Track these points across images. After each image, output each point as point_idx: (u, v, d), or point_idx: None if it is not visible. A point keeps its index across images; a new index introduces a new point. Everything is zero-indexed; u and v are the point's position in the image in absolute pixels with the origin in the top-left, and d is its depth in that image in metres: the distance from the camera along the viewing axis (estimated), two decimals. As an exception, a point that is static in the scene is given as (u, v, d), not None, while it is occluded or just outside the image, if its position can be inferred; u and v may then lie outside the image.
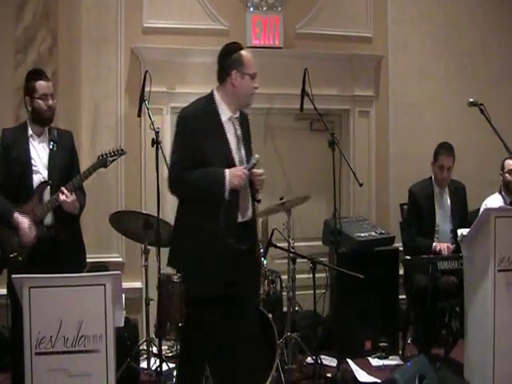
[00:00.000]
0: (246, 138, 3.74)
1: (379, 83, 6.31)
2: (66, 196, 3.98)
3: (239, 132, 3.70)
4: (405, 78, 6.30)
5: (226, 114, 3.64)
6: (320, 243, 5.74)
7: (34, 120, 4.19)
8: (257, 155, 3.65)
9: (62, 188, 3.99)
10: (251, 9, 5.90)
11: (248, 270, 3.67)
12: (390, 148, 6.32)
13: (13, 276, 3.48)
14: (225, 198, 3.50)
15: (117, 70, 5.65)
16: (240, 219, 3.63)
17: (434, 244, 4.99)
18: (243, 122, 3.77)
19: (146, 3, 5.73)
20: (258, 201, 3.73)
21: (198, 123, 3.55)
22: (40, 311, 3.39)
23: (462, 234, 4.43)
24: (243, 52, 3.65)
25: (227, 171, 3.51)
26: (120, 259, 5.65)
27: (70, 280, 3.45)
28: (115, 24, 5.62)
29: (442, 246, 4.97)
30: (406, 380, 3.89)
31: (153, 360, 4.83)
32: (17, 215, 4.02)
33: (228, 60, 3.62)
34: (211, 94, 3.67)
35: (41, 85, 4.16)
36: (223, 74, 3.64)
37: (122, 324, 3.70)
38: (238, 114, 3.71)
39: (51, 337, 3.39)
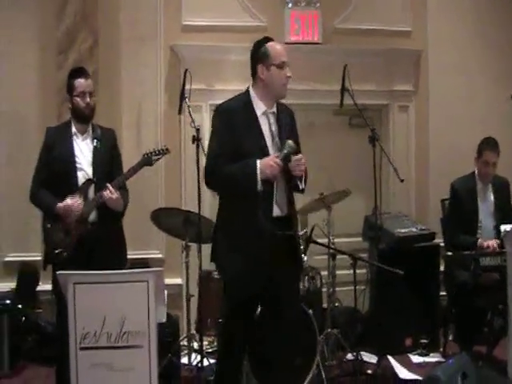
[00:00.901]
0: (286, 133, 3.70)
1: (419, 78, 6.25)
2: (111, 193, 4.04)
3: (274, 127, 3.68)
4: (444, 72, 6.22)
5: (260, 108, 3.65)
6: (360, 239, 5.72)
7: (74, 117, 4.26)
8: (290, 141, 3.58)
9: (108, 185, 4.06)
10: (290, 5, 5.90)
11: (288, 267, 3.66)
12: (429, 143, 6.25)
13: (58, 272, 3.55)
14: (257, 189, 3.48)
15: (156, 69, 5.71)
16: (275, 214, 3.61)
17: (479, 240, 4.91)
18: (285, 117, 3.76)
19: (184, 1, 5.78)
20: (302, 190, 3.69)
21: (233, 117, 3.58)
22: (84, 307, 3.45)
23: (505, 230, 4.38)
24: (269, 44, 3.67)
25: (259, 161, 3.49)
26: (160, 255, 5.71)
27: (113, 276, 3.50)
28: (154, 23, 5.68)
29: (490, 242, 4.87)
30: (449, 377, 3.85)
31: (193, 356, 4.87)
32: (59, 204, 4.08)
33: (255, 56, 3.67)
34: (247, 91, 3.71)
35: (79, 82, 4.22)
36: (253, 71, 3.69)
37: (164, 320, 3.73)
38: (274, 109, 3.71)
39: (95, 332, 3.44)
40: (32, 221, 5.40)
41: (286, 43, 5.86)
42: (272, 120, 3.69)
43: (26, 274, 5.48)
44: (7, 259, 5.49)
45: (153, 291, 3.47)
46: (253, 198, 3.51)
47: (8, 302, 5.02)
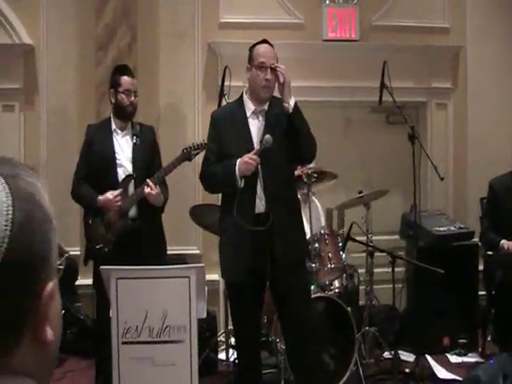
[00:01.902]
0: (272, 127, 3.70)
1: (457, 75, 6.19)
2: (151, 188, 4.08)
3: (262, 125, 3.72)
4: (483, 69, 6.15)
5: (250, 108, 3.75)
6: (397, 237, 5.68)
7: (116, 114, 4.30)
8: (267, 135, 3.58)
9: (148, 180, 4.09)
10: (327, 2, 5.87)
11: (278, 260, 3.65)
12: (467, 141, 6.19)
13: (101, 267, 3.58)
14: (238, 186, 3.57)
15: (194, 65, 5.73)
16: (258, 210, 3.67)
17: (502, 241, 4.85)
18: (277, 109, 3.74)
19: (222, -2, 5.79)
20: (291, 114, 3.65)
21: (221, 123, 3.75)
22: (127, 302, 3.48)
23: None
24: (258, 46, 3.78)
25: (238, 160, 3.58)
26: (197, 251, 5.74)
27: (156, 272, 3.54)
28: (192, 20, 5.71)
29: (510, 244, 4.82)
30: (489, 378, 3.77)
31: (231, 351, 4.89)
32: (100, 197, 4.14)
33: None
34: (241, 93, 3.84)
35: (125, 80, 4.26)
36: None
37: (205, 315, 3.77)
38: (264, 107, 3.74)
39: (137, 327, 3.48)
40: (71, 216, 5.46)
41: (324, 40, 5.87)
42: (261, 118, 3.75)
43: (66, 269, 5.53)
44: (46, 254, 5.51)
45: (194, 287, 3.49)
46: (234, 195, 3.60)
47: (48, 295, 5.06)
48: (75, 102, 5.62)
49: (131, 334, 3.48)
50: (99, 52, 5.51)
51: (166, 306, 3.47)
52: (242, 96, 3.82)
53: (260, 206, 3.67)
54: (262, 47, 3.76)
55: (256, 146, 3.67)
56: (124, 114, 4.27)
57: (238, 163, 3.58)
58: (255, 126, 3.73)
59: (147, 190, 4.09)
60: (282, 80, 3.64)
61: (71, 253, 5.52)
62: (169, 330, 3.48)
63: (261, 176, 3.66)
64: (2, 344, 0.87)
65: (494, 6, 6.20)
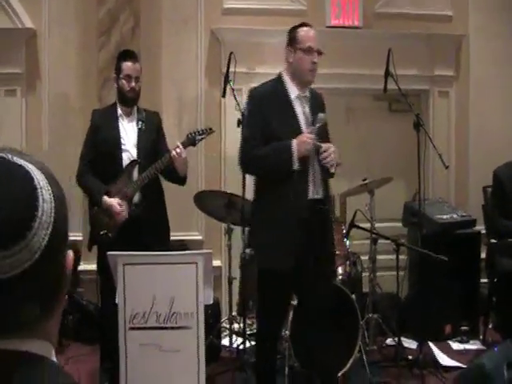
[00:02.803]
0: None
1: (460, 63, 6.17)
2: (180, 151, 4.04)
3: (307, 110, 3.70)
4: (486, 58, 6.13)
5: (294, 92, 3.67)
6: (398, 224, 5.69)
7: (119, 100, 4.29)
8: (322, 114, 3.61)
9: (178, 143, 4.07)
10: (331, -12, 5.85)
11: (320, 247, 3.67)
12: (469, 129, 6.17)
13: (108, 253, 3.58)
14: (293, 168, 3.50)
15: (197, 51, 5.70)
16: (311, 196, 3.62)
17: None
18: (316, 102, 3.76)
19: (225, -16, 5.75)
20: (331, 175, 3.70)
21: (265, 101, 3.61)
22: (134, 288, 3.49)
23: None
24: (300, 28, 3.69)
25: (294, 140, 3.51)
26: (200, 237, 5.73)
27: (163, 258, 3.54)
28: (195, 5, 5.66)
29: None
30: (494, 365, 3.80)
31: (234, 338, 4.89)
32: (105, 199, 4.13)
33: (287, 40, 3.71)
34: (279, 75, 3.74)
35: (127, 66, 4.25)
36: (285, 54, 3.72)
37: (211, 302, 3.77)
38: (307, 93, 3.71)
39: (144, 313, 3.48)
40: (73, 202, 5.44)
41: (327, 27, 5.84)
42: (305, 104, 3.71)
43: (67, 254, 5.54)
44: (48, 239, 5.48)
45: (202, 273, 3.49)
46: (287, 179, 3.52)
47: (50, 281, 5.05)
48: (77, 87, 5.58)
49: (138, 320, 3.48)
50: (102, 37, 5.46)
51: (174, 292, 3.47)
52: (280, 78, 3.71)
53: (312, 191, 3.63)
54: (309, 31, 3.68)
55: (304, 130, 3.60)
56: (125, 99, 4.25)
57: (294, 143, 3.49)
58: (300, 110, 3.67)
59: (176, 150, 4.05)
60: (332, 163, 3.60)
61: (73, 238, 5.53)
62: (176, 316, 3.48)
63: (315, 159, 3.61)
64: (48, 307, 0.97)
65: (497, -6, 6.18)
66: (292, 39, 3.67)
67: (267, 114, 3.58)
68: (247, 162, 3.64)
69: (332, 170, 3.64)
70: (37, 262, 0.93)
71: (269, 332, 3.77)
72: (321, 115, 3.60)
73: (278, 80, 3.70)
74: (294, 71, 3.66)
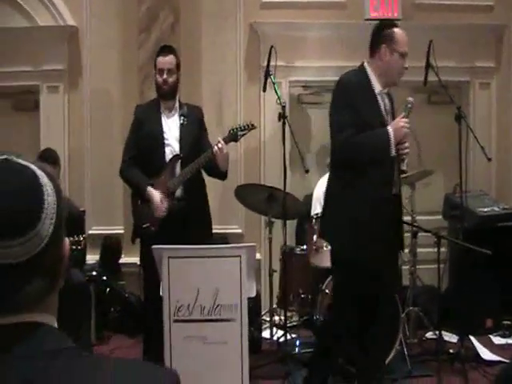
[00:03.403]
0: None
1: (501, 54, 6.10)
2: (222, 146, 4.10)
3: (388, 107, 3.73)
4: (528, 48, 6.07)
5: (377, 87, 3.67)
6: (439, 217, 5.66)
7: (157, 94, 4.34)
8: (411, 98, 3.68)
9: (219, 139, 4.13)
10: (369, -19, 5.83)
11: (394, 247, 3.74)
12: (511, 121, 6.11)
13: (153, 247, 3.63)
14: (392, 154, 3.53)
15: (236, 46, 5.74)
16: (394, 191, 3.67)
17: None
18: (390, 99, 3.80)
19: (264, -20, 5.77)
20: (404, 172, 3.73)
21: (355, 90, 3.59)
22: (178, 280, 3.54)
23: None
24: (396, 29, 3.66)
25: (389, 127, 3.54)
26: (239, 231, 5.77)
27: (207, 251, 3.58)
28: (234, 0, 5.69)
29: None
30: (538, 358, 3.82)
31: (274, 330, 4.93)
32: (149, 189, 4.20)
33: (379, 34, 3.65)
34: (363, 67, 3.69)
35: (159, 60, 4.32)
36: (373, 48, 3.67)
37: (254, 294, 3.81)
38: (386, 90, 3.73)
39: (189, 305, 3.53)
40: (115, 195, 5.55)
41: (366, 19, 5.82)
42: (386, 101, 3.72)
43: (110, 247, 5.63)
44: (91, 232, 5.62)
45: (245, 266, 3.53)
46: (378, 170, 3.55)
47: (94, 273, 5.17)
48: (118, 84, 5.67)
49: (183, 313, 3.53)
50: (142, 34, 5.54)
51: (218, 285, 3.52)
52: (364, 70, 3.67)
53: (394, 187, 3.68)
54: (405, 35, 3.68)
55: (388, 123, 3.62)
56: (160, 92, 4.31)
57: (391, 130, 3.52)
58: (382, 105, 3.69)
59: (218, 145, 4.11)
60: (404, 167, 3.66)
61: (115, 231, 5.63)
62: (220, 308, 3.53)
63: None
64: (53, 284, 1.12)
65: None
66: (389, 38, 3.63)
67: (357, 102, 3.57)
68: (345, 148, 3.56)
69: (403, 167, 3.66)
70: (45, 247, 1.08)
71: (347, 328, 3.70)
72: (410, 99, 3.66)
73: (362, 72, 3.68)
74: (385, 70, 3.65)
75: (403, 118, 3.58)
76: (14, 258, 1.05)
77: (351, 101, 3.55)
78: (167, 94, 4.31)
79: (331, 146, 3.72)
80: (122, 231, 5.55)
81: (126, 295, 5.38)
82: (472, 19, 5.99)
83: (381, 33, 3.65)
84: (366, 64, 3.69)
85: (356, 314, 3.64)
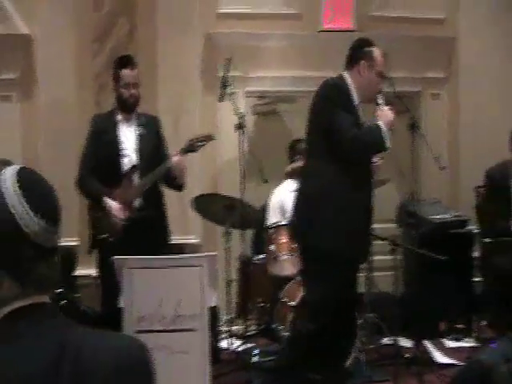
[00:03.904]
0: None
1: (451, 65, 6.27)
2: (179, 159, 4.14)
3: (362, 120, 3.82)
4: (477, 60, 6.21)
5: (356, 99, 3.77)
6: (392, 225, 5.77)
7: (119, 106, 4.33)
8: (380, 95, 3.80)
9: (177, 151, 4.16)
10: (324, -8, 5.92)
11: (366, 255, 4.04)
12: (461, 130, 6.27)
13: (114, 257, 3.62)
14: (387, 146, 3.70)
15: (193, 56, 5.72)
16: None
17: None
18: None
19: (220, -11, 5.80)
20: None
21: (346, 95, 3.70)
22: (140, 291, 3.54)
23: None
24: (375, 49, 3.80)
25: (379, 121, 3.68)
26: (197, 241, 5.76)
27: (169, 261, 3.59)
28: (191, 10, 5.69)
29: None
30: (493, 361, 3.91)
31: (232, 340, 4.94)
32: (106, 199, 4.17)
33: (360, 51, 3.78)
34: (343, 78, 3.77)
35: (124, 73, 4.29)
36: (352, 62, 3.79)
37: (215, 304, 3.83)
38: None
39: (150, 316, 3.53)
40: (70, 206, 5.45)
41: (321, 31, 5.91)
42: (361, 114, 3.84)
43: (64, 259, 5.53)
44: (45, 244, 5.49)
45: (207, 275, 3.55)
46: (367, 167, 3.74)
47: (49, 286, 5.06)
48: (73, 93, 5.58)
49: (144, 323, 3.53)
50: (97, 42, 5.49)
51: (180, 295, 3.53)
52: (344, 80, 3.75)
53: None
54: (382, 55, 3.82)
55: None
56: (126, 106, 4.30)
57: (382, 124, 3.67)
58: (360, 117, 3.81)
59: (176, 158, 4.13)
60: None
61: (69, 243, 5.54)
62: (182, 318, 3.54)
63: None
64: None
65: (486, -3, 6.28)
66: (369, 56, 3.76)
67: (348, 106, 3.70)
68: (355, 147, 3.67)
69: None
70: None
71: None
72: (380, 95, 3.78)
73: (343, 81, 3.76)
74: (365, 85, 3.77)
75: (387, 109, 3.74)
76: (55, 244, 1.28)
77: (346, 103, 3.68)
78: (133, 108, 4.31)
79: (341, 146, 3.67)
80: (76, 243, 5.48)
81: (82, 308, 5.30)
82: (424, 31, 6.14)
83: (361, 49, 3.79)
84: (345, 75, 3.77)
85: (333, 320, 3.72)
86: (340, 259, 3.68)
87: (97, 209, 4.29)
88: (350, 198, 3.69)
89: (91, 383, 1.22)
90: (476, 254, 5.53)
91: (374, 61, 3.74)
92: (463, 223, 5.55)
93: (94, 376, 1.23)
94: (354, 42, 3.88)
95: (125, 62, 4.36)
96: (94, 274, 4.75)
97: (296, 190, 3.93)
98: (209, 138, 4.34)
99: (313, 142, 3.81)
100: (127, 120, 4.32)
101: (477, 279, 5.52)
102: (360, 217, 3.75)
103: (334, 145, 3.67)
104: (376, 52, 3.78)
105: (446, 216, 5.51)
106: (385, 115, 3.72)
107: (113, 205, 4.17)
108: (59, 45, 5.57)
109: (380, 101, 3.77)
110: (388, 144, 3.70)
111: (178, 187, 4.35)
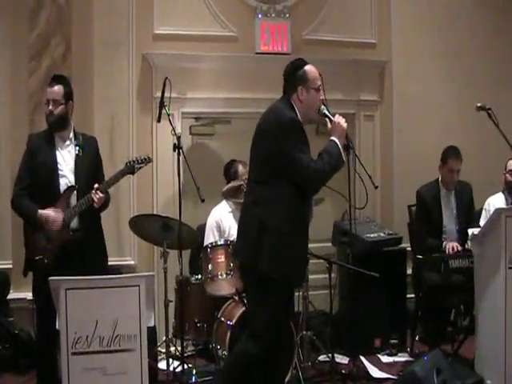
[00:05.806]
0: None
1: (383, 88, 6.47)
2: (99, 196, 4.13)
3: None
4: (408, 83, 6.44)
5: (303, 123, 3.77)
6: (328, 244, 5.87)
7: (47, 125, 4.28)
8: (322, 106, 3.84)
9: (96, 185, 4.12)
10: (260, 16, 6.01)
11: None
12: (394, 151, 6.47)
13: (50, 278, 3.56)
14: (343, 162, 3.80)
15: (128, 76, 5.73)
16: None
17: (444, 243, 5.17)
18: None
19: (156, 10, 5.81)
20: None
21: (300, 126, 3.68)
22: (76, 312, 3.49)
23: (473, 233, 4.58)
24: (307, 67, 3.79)
25: (333, 136, 3.77)
26: (132, 262, 5.72)
27: (105, 282, 3.55)
28: (127, 31, 5.70)
29: (449, 245, 5.12)
30: (425, 373, 4.05)
31: (170, 360, 4.91)
32: (40, 211, 4.11)
33: (294, 77, 3.77)
34: (291, 104, 3.75)
35: (47, 91, 4.27)
36: (289, 90, 3.78)
37: (153, 324, 3.81)
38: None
39: (87, 337, 3.49)
40: (3, 228, 5.37)
41: (256, 53, 6.01)
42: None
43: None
44: (-24, 267, 5.40)
45: (144, 296, 3.54)
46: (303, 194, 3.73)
47: (-20, 310, 4.97)
48: (8, 112, 5.51)
49: (81, 345, 3.48)
50: (32, 61, 5.43)
51: (117, 315, 3.50)
52: (293, 106, 3.73)
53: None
54: (315, 69, 3.81)
55: None
56: (47, 123, 4.25)
57: (336, 139, 3.75)
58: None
59: (97, 195, 4.11)
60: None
61: (3, 266, 5.43)
62: (119, 338, 3.51)
63: None
64: None
65: (418, 21, 6.49)
66: (304, 80, 3.75)
67: (304, 137, 3.68)
68: (322, 177, 3.70)
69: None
70: None
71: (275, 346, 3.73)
72: (323, 107, 3.82)
73: (292, 108, 3.74)
74: (306, 109, 3.76)
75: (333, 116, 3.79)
76: None
77: (301, 136, 3.66)
78: (53, 125, 4.23)
79: (302, 182, 3.68)
80: (10, 266, 5.37)
81: (17, 332, 5.18)
82: (357, 55, 6.32)
83: (295, 75, 3.77)
84: (293, 102, 3.76)
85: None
86: (287, 286, 3.76)
87: (32, 229, 4.21)
88: (297, 224, 3.69)
89: None
90: (409, 270, 5.67)
91: (309, 81, 3.76)
92: (396, 241, 5.70)
93: None
94: (286, 68, 3.86)
95: (52, 79, 4.33)
96: (29, 297, 4.65)
97: (241, 216, 3.90)
98: (147, 161, 4.34)
99: (258, 166, 3.76)
100: (64, 140, 4.26)
101: (410, 295, 5.66)
102: (305, 242, 3.80)
103: (291, 175, 3.67)
104: (308, 71, 3.78)
105: (380, 234, 5.63)
106: (337, 127, 3.79)
107: (48, 212, 4.12)
108: (-7, 64, 5.50)
109: (324, 111, 3.82)
110: (344, 158, 3.80)
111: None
